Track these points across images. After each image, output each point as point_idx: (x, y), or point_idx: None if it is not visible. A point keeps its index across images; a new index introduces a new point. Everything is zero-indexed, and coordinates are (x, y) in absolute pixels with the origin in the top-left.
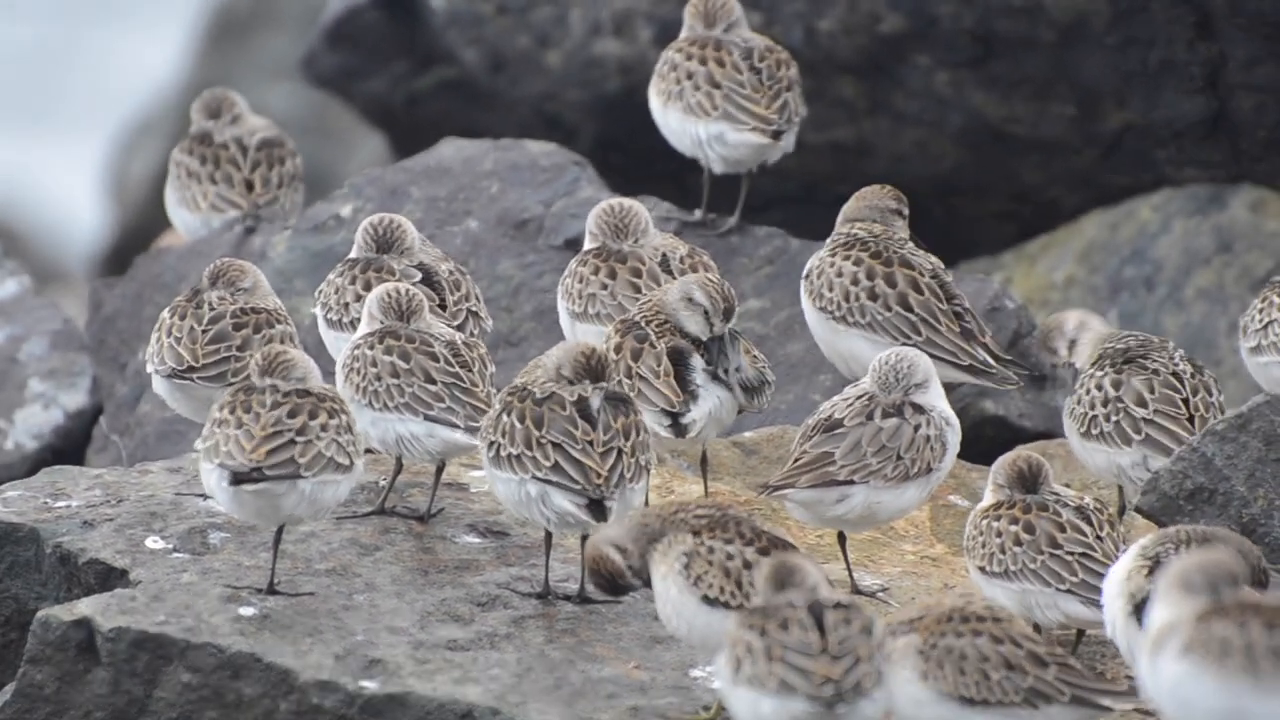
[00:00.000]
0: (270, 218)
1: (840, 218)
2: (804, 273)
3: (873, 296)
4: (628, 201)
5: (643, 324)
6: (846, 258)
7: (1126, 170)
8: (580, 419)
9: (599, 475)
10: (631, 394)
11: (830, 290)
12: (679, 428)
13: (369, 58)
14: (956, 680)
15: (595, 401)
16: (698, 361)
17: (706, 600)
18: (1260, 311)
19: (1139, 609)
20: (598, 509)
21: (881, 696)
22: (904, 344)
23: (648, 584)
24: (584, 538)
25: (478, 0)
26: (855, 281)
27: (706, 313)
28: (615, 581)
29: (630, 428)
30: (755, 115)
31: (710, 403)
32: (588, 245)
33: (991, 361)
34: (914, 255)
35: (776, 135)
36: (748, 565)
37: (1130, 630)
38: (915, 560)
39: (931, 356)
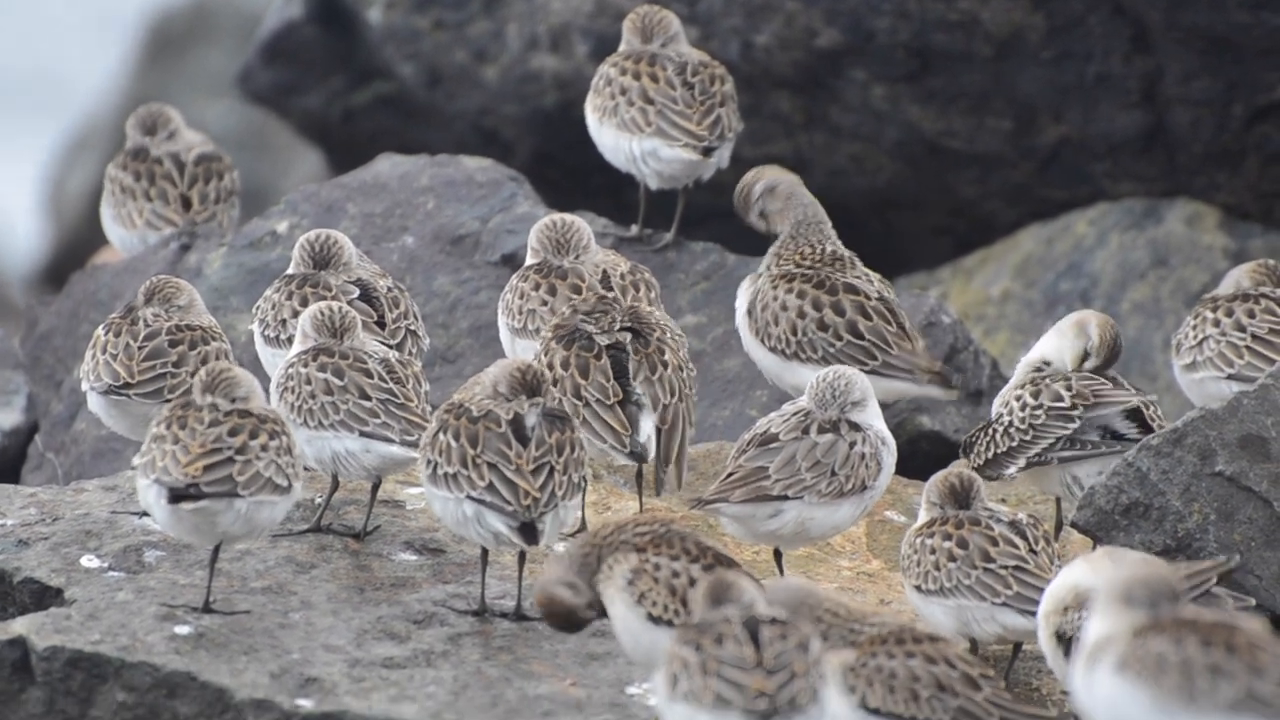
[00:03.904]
0: (206, 234)
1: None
2: (744, 308)
3: (822, 327)
4: (570, 217)
5: (583, 320)
6: (789, 290)
7: (1063, 184)
8: (514, 438)
9: (530, 497)
10: (578, 421)
11: (776, 325)
12: (637, 454)
13: (305, 73)
14: (885, 697)
15: (531, 419)
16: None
17: (651, 619)
18: (1194, 329)
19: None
20: (529, 531)
21: (817, 712)
22: (861, 370)
23: (603, 613)
24: (521, 554)
25: (414, 15)
26: (802, 315)
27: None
28: (571, 619)
29: (564, 443)
30: (687, 132)
31: (651, 420)
32: (529, 261)
33: (942, 366)
34: (857, 279)
35: (707, 152)
36: (693, 582)
37: (1059, 660)
38: (852, 576)
39: (892, 379)
